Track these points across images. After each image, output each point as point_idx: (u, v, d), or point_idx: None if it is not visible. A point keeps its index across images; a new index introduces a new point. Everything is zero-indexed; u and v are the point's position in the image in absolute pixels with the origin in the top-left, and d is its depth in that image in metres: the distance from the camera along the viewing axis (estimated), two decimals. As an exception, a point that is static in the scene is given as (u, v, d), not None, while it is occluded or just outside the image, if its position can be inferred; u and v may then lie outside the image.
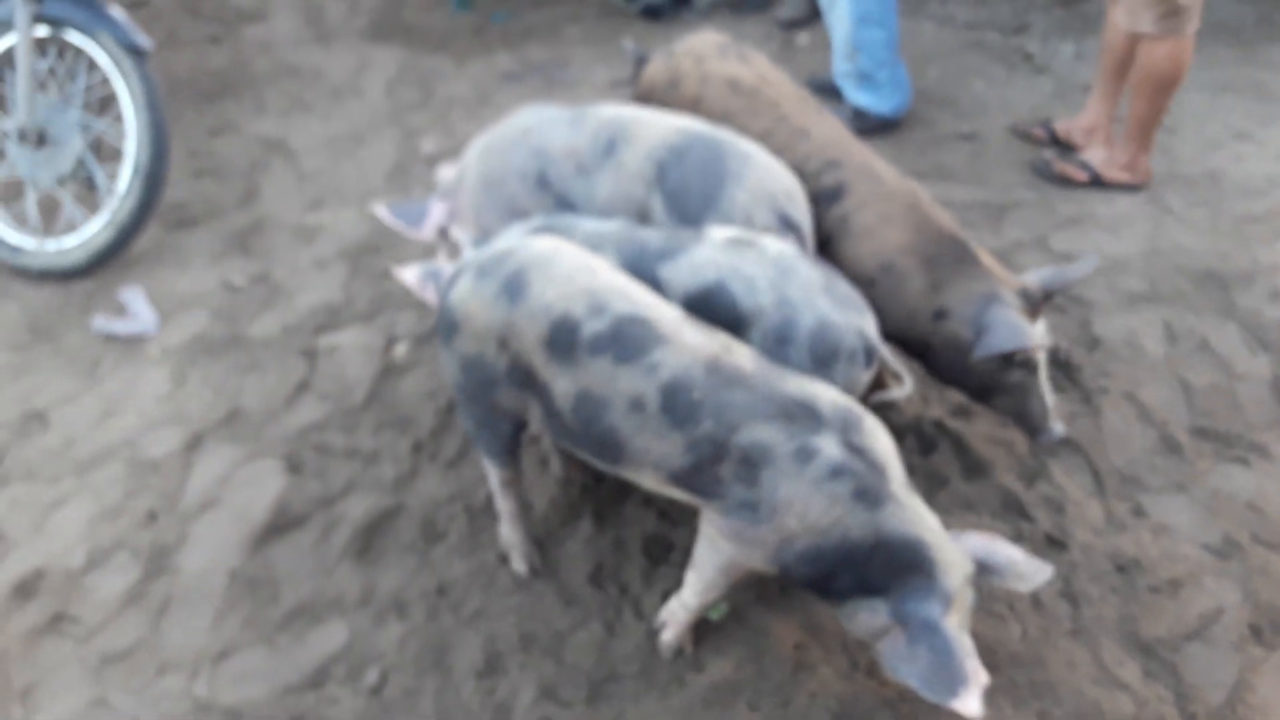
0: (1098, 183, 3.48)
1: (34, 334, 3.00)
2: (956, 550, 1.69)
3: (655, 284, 1.97)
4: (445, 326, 1.93)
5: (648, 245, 2.02)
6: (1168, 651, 2.02)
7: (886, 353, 2.02)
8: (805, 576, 1.73)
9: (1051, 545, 2.25)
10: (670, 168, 2.20)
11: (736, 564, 1.83)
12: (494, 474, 2.12)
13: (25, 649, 2.13)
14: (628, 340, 1.75)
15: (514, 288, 1.82)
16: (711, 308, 1.94)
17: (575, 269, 1.85)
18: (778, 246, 1.99)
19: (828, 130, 2.43)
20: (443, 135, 3.91)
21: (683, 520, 2.31)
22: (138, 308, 2.97)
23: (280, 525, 2.35)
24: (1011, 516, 2.32)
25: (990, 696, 1.93)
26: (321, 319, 2.97)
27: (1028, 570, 1.73)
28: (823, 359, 1.92)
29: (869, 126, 3.79)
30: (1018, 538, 2.25)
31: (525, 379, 1.86)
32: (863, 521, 1.65)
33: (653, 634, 2.07)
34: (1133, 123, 3.34)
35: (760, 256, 1.96)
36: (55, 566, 2.29)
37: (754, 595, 2.13)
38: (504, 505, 2.17)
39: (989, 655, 2.00)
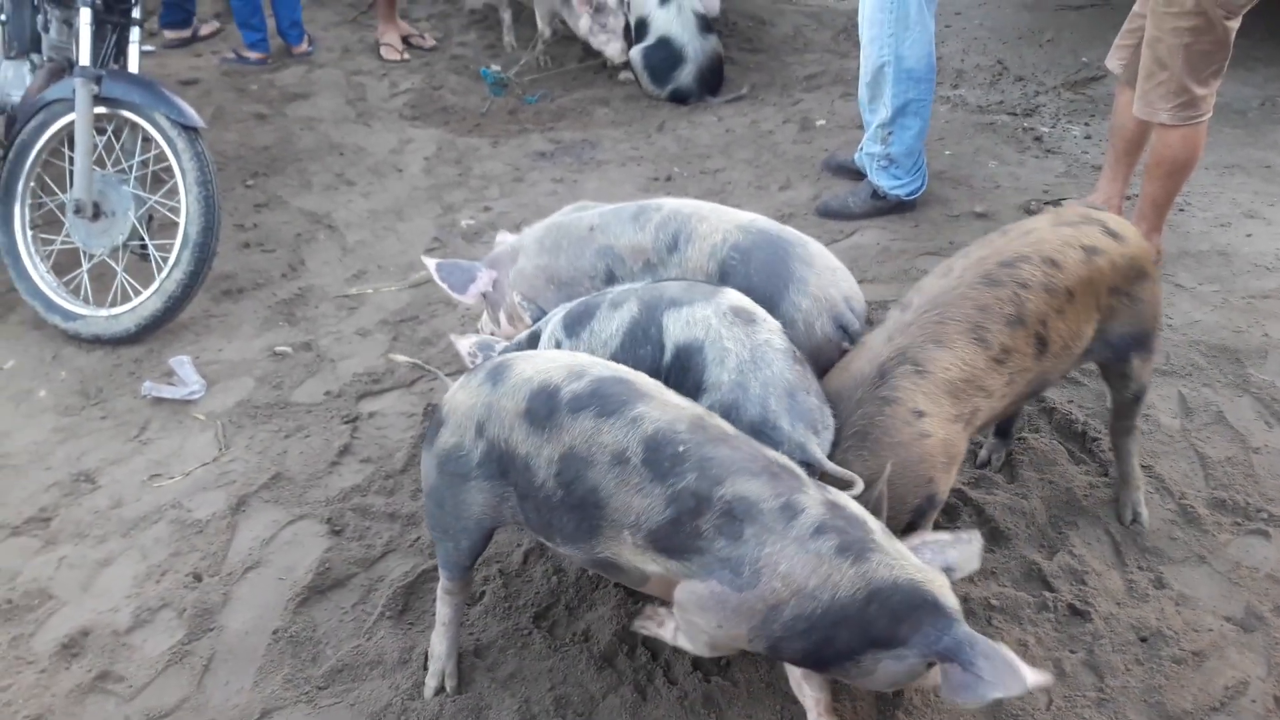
0: (1112, 261, 3.57)
1: (84, 398, 3.11)
2: (935, 572, 1.70)
3: (659, 330, 2.05)
4: (432, 427, 1.97)
5: (665, 293, 2.10)
6: (1193, 723, 2.05)
7: (831, 466, 1.96)
8: (799, 651, 1.69)
9: (1074, 615, 2.29)
10: (734, 268, 2.23)
11: (723, 645, 1.80)
12: (442, 582, 2.11)
13: (70, 707, 2.18)
14: (609, 396, 1.77)
15: (497, 373, 1.90)
16: (686, 364, 2.01)
17: (558, 354, 1.94)
18: (768, 335, 2.01)
19: None
20: (478, 210, 4.06)
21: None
22: (185, 373, 3.09)
23: (322, 586, 2.42)
24: (1033, 586, 2.37)
25: (1017, 763, 1.97)
26: (363, 385, 3.07)
27: (966, 555, 1.78)
28: None
29: (887, 207, 3.93)
30: (1041, 608, 2.30)
31: (501, 465, 1.86)
32: (851, 578, 1.62)
33: (683, 699, 2.12)
34: (1146, 203, 3.45)
35: (746, 336, 1.99)
36: (101, 625, 2.36)
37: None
38: (441, 612, 2.14)
39: (1015, 723, 2.04)
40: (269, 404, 3.03)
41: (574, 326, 2.19)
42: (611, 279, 2.35)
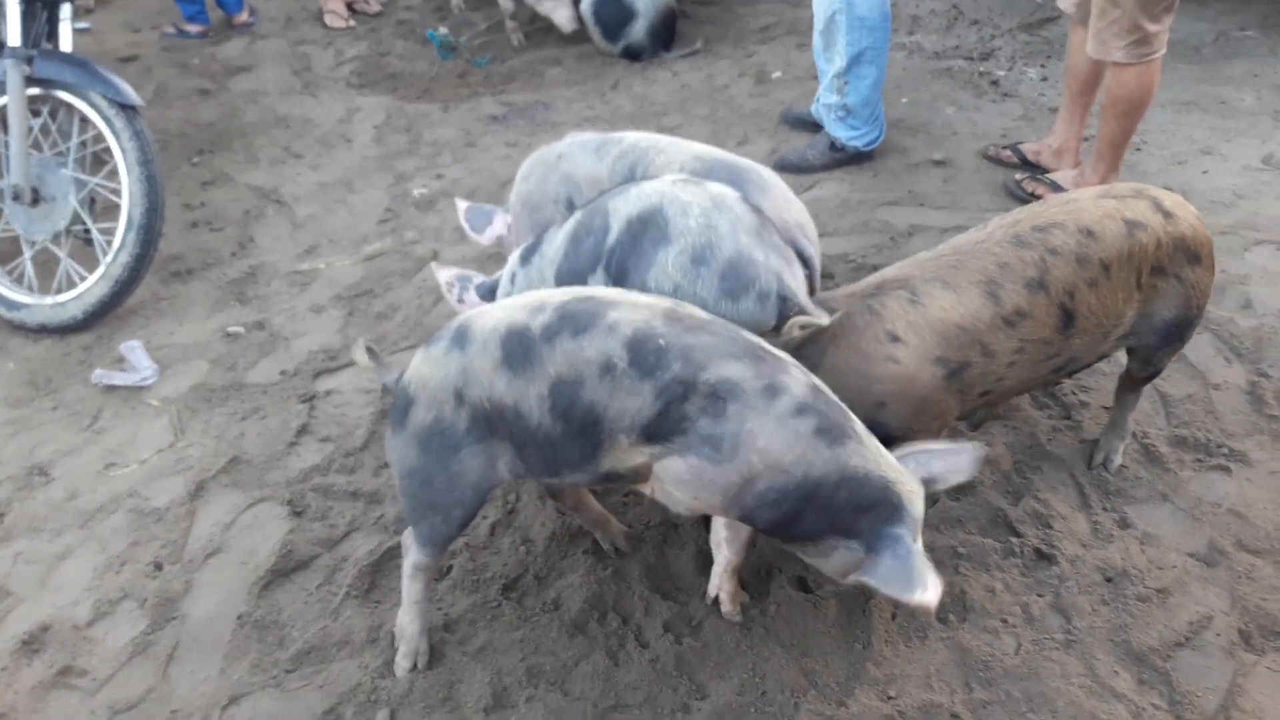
0: (1071, 202, 3.57)
1: (34, 388, 3.04)
2: (912, 479, 1.75)
3: (604, 218, 2.05)
4: (398, 409, 1.92)
5: (611, 191, 2.12)
6: (1160, 660, 2.07)
7: (804, 300, 1.99)
8: (768, 521, 1.74)
9: (1040, 559, 2.30)
10: None
11: (695, 511, 1.84)
12: (416, 559, 2.06)
13: (33, 704, 2.14)
14: (578, 314, 1.77)
15: (460, 337, 1.86)
16: (645, 227, 1.99)
17: (509, 300, 1.93)
18: (720, 190, 2.03)
19: None
20: (431, 178, 3.99)
21: (682, 549, 2.36)
22: (137, 359, 3.02)
23: (285, 569, 2.38)
24: (999, 532, 2.37)
25: (986, 710, 1.98)
26: (319, 363, 3.02)
27: (954, 465, 1.82)
28: (731, 290, 1.94)
29: (845, 158, 3.89)
30: (1008, 553, 2.30)
31: (489, 424, 1.85)
32: (825, 459, 1.68)
33: (655, 662, 2.11)
34: (1103, 143, 3.44)
35: (701, 190, 2.01)
36: (62, 620, 2.31)
37: (755, 617, 2.17)
38: (411, 590, 2.11)
39: (984, 670, 2.05)
40: (223, 386, 2.97)
41: (527, 256, 2.23)
42: (571, 207, 2.37)
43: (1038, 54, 4.82)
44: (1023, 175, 3.70)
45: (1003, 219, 2.19)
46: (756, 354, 1.74)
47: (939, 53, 4.90)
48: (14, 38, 3.18)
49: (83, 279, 3.21)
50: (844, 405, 1.78)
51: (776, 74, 4.67)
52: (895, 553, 1.68)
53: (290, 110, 4.53)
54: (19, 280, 3.29)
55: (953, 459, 1.83)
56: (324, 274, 3.45)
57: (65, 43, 3.36)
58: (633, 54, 4.88)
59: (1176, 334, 2.24)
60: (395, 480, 2.02)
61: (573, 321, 1.77)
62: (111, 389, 2.98)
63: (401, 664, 2.14)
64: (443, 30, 5.07)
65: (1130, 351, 2.33)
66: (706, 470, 1.71)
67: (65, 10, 3.39)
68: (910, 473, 1.77)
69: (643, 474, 1.84)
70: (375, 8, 5.54)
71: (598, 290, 1.86)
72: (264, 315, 3.25)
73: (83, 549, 2.50)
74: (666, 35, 4.93)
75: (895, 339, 2.01)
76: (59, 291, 3.22)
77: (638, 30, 4.81)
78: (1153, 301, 2.17)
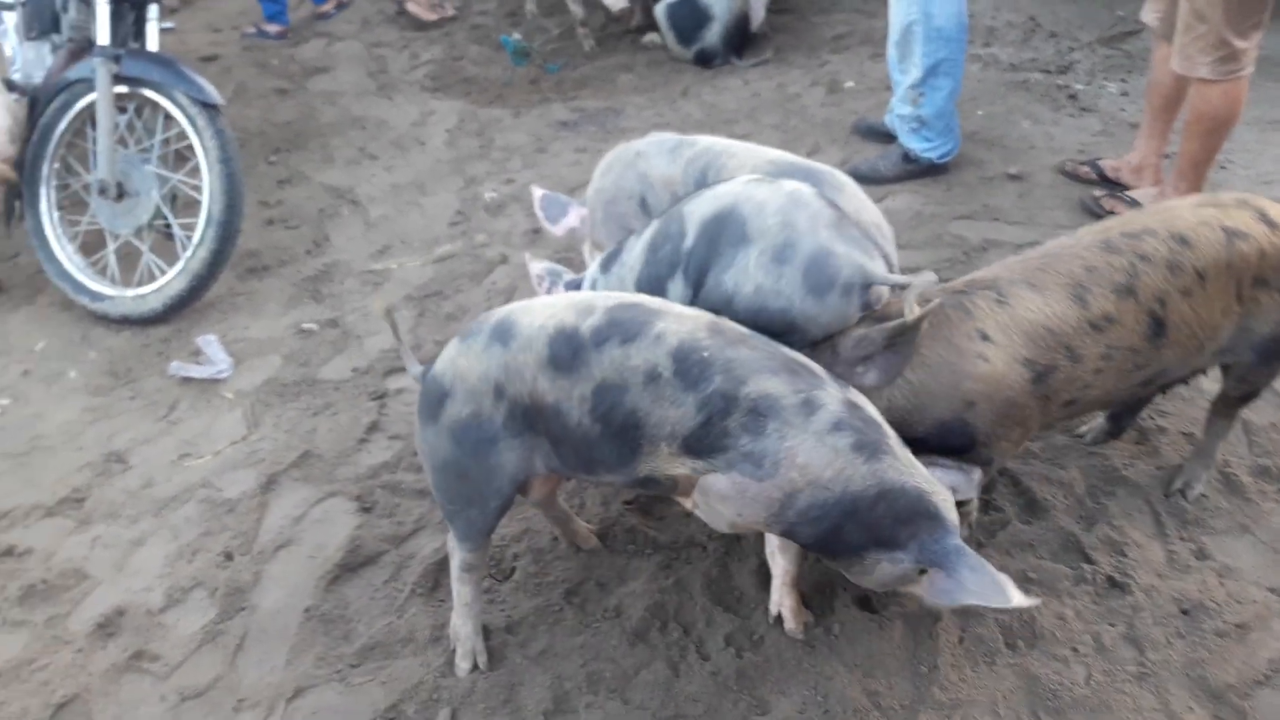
0: (1150, 222, 3.48)
1: (114, 378, 3.12)
2: (941, 486, 1.77)
3: (680, 223, 2.05)
4: (431, 401, 1.93)
5: (688, 198, 2.12)
6: (1237, 698, 2.00)
7: (887, 276, 1.96)
8: (810, 536, 1.76)
9: (1113, 588, 2.24)
10: None
11: (738, 527, 1.85)
12: (461, 557, 2.08)
13: (107, 686, 2.20)
14: (627, 322, 1.80)
15: (502, 332, 1.87)
16: (723, 228, 1.98)
17: (554, 299, 1.94)
18: (795, 186, 2.01)
19: None
20: (501, 182, 4.03)
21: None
22: (213, 352, 3.09)
23: (353, 564, 2.42)
24: (1071, 558, 2.32)
25: (1057, 739, 1.94)
26: (390, 362, 3.06)
27: (963, 484, 1.86)
28: (816, 287, 1.92)
29: (918, 170, 3.84)
30: (1079, 580, 2.25)
31: (528, 419, 1.87)
32: (863, 474, 1.70)
33: (716, 674, 2.10)
34: (1185, 162, 3.36)
35: (776, 188, 2.00)
36: (136, 605, 2.37)
37: (819, 635, 2.15)
38: (461, 593, 2.12)
39: (1052, 699, 2.00)
40: (296, 382, 3.02)
41: (608, 264, 2.25)
42: (644, 205, 2.42)
43: (1118, 68, 4.72)
44: (1101, 192, 3.62)
45: (1093, 226, 2.14)
46: (793, 369, 1.77)
47: (1015, 65, 4.82)
48: (103, 37, 3.28)
49: (163, 273, 3.29)
50: (878, 418, 1.79)
51: (849, 84, 4.63)
52: (970, 565, 1.70)
53: (366, 112, 4.61)
54: (102, 273, 3.38)
55: (956, 476, 1.87)
56: (396, 274, 3.50)
57: (152, 42, 3.46)
58: (705, 58, 4.88)
59: (1277, 352, 2.16)
60: (427, 473, 2.04)
61: (621, 328, 1.79)
62: (188, 381, 3.06)
63: (461, 665, 2.16)
64: (516, 36, 5.12)
65: (1225, 369, 2.25)
66: (749, 487, 1.74)
67: (152, 10, 3.49)
68: (939, 481, 1.79)
69: (682, 485, 1.86)
70: (450, 11, 5.60)
71: (643, 298, 1.89)
72: (337, 313, 3.30)
73: (157, 536, 2.56)
74: (739, 41, 4.92)
75: (985, 337, 1.98)
76: (140, 284, 3.31)
77: (712, 34, 4.80)
78: (1254, 316, 2.09)
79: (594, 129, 4.41)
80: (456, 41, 5.30)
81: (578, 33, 5.20)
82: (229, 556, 2.47)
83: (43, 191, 3.40)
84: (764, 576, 2.29)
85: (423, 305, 3.33)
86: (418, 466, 2.70)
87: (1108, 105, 4.37)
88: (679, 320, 1.80)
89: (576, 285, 2.41)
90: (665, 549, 2.39)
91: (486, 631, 2.21)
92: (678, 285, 2.06)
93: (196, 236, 3.21)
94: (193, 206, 3.34)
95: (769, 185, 2.02)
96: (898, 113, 3.83)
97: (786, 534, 1.79)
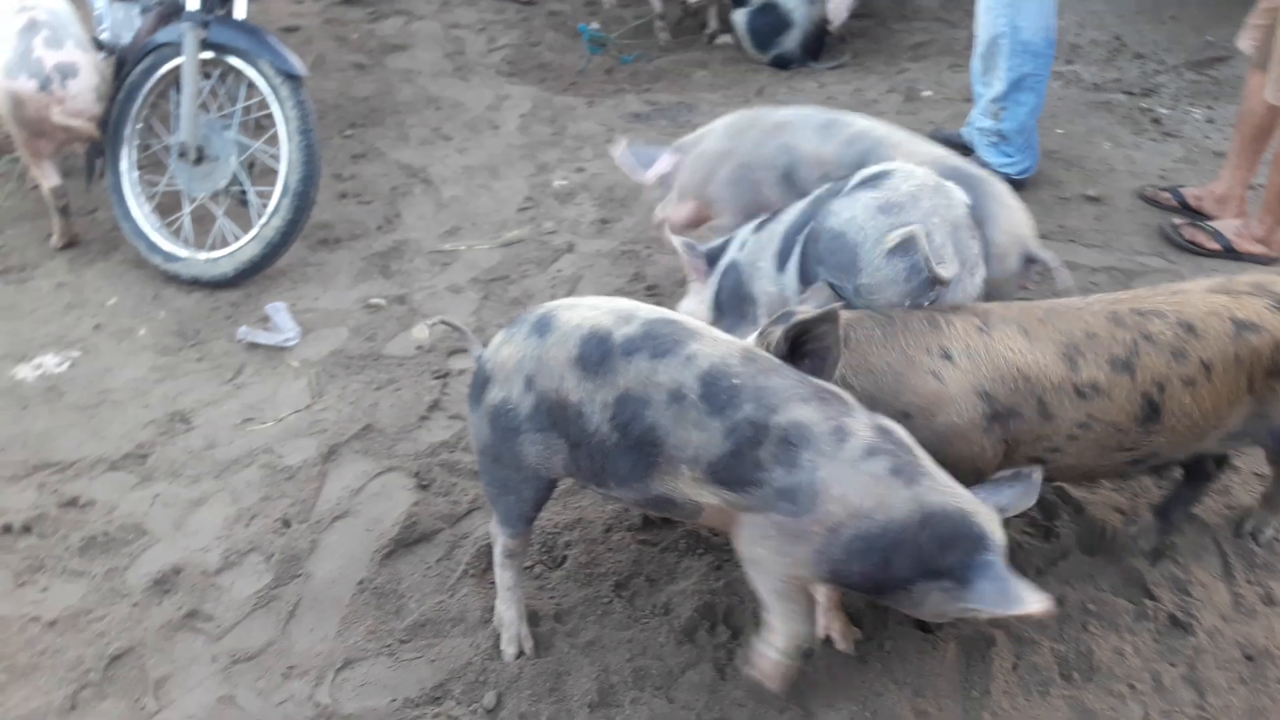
0: (1230, 253, 3.40)
1: (182, 338, 3.17)
2: (986, 507, 1.74)
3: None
4: (477, 384, 1.97)
5: (841, 183, 2.21)
6: (1299, 749, 1.96)
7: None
8: (861, 574, 1.72)
9: (1175, 627, 2.19)
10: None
11: (792, 579, 1.81)
12: (503, 542, 2.10)
13: (161, 642, 2.23)
14: (661, 337, 1.80)
15: (543, 325, 1.89)
16: (835, 250, 2.08)
17: (600, 300, 1.94)
18: (956, 187, 2.11)
19: None
20: (572, 171, 4.03)
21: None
22: (281, 320, 3.13)
23: (408, 539, 2.43)
24: (1133, 593, 2.27)
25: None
26: (454, 342, 3.08)
27: (1019, 495, 1.82)
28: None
29: (995, 185, 3.78)
30: (1140, 616, 2.20)
31: (551, 416, 1.87)
32: (904, 499, 1.67)
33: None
34: (1272, 195, 3.27)
35: (934, 176, 2.10)
36: (193, 564, 2.41)
37: (871, 651, 2.13)
38: (504, 578, 2.13)
39: (1108, 734, 1.96)
40: (361, 355, 3.05)
41: (762, 224, 2.36)
42: (790, 178, 2.47)
43: (1204, 94, 4.61)
44: (1181, 220, 3.54)
45: (1105, 296, 2.08)
46: (823, 396, 1.75)
47: (1098, 84, 4.73)
48: (193, 2, 3.32)
49: (236, 238, 3.33)
50: (910, 441, 1.76)
51: (927, 93, 4.57)
52: (989, 576, 1.68)
53: (442, 92, 4.63)
54: (176, 234, 3.43)
55: (1018, 489, 1.83)
56: (464, 256, 3.51)
57: (240, 10, 3.49)
58: (782, 63, 4.85)
59: None
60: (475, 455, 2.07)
61: (654, 342, 1.79)
62: (254, 347, 3.09)
63: (507, 650, 2.16)
64: (595, 25, 5.12)
65: (1267, 452, 2.20)
66: (788, 525, 1.72)
67: (243, -22, 3.53)
68: (983, 501, 1.75)
69: (708, 514, 1.84)
70: None
71: (684, 318, 1.88)
72: (405, 290, 3.33)
73: (216, 498, 2.60)
74: (817, 47, 4.88)
75: (947, 357, 1.95)
76: (213, 248, 3.35)
77: (790, 41, 4.77)
78: (1271, 404, 2.01)
79: (666, 123, 4.40)
80: (534, 27, 5.31)
81: (655, 25, 5.18)
82: (286, 523, 2.49)
83: (124, 151, 3.45)
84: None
85: (488, 289, 3.34)
86: (475, 448, 2.71)
87: (1192, 131, 4.27)
88: (713, 344, 1.80)
89: (713, 254, 2.48)
90: (716, 550, 2.38)
91: (535, 618, 2.22)
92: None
93: (272, 205, 3.24)
94: (268, 175, 3.38)
95: (932, 174, 2.08)
96: (977, 126, 3.77)
97: (836, 576, 1.75)
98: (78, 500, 2.60)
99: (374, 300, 3.28)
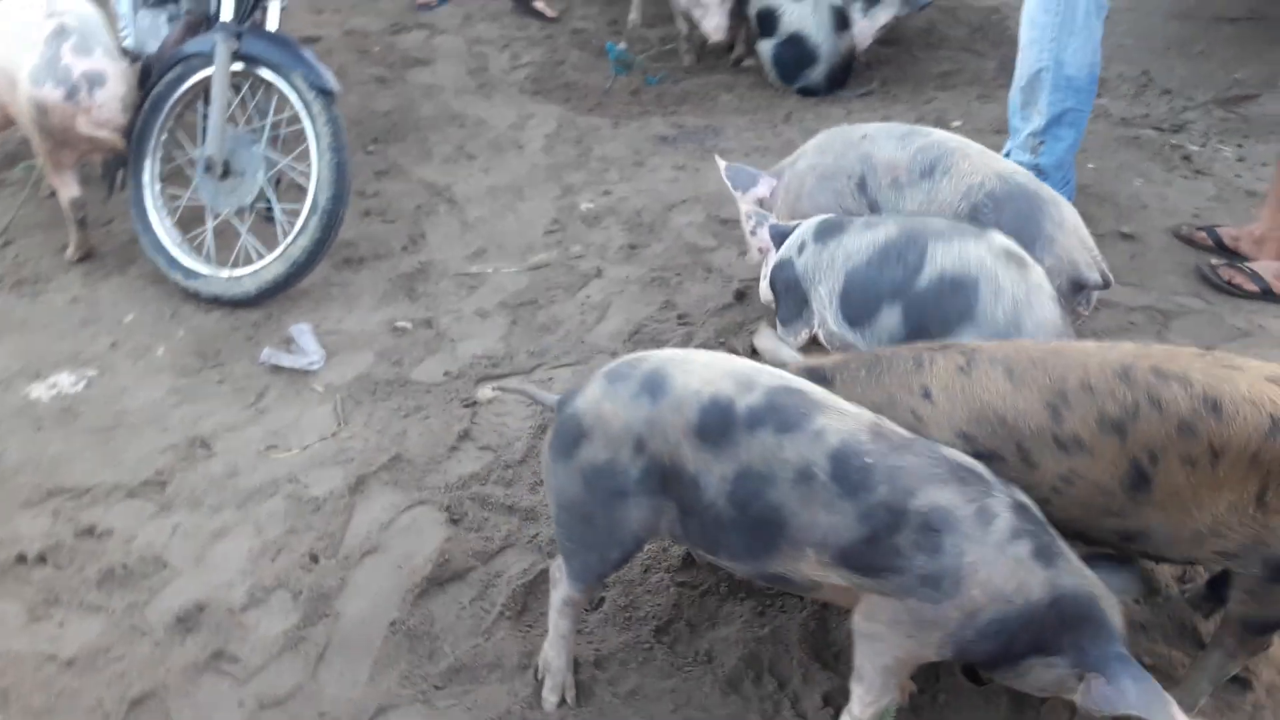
0: (1268, 295, 3.34)
1: (201, 359, 3.08)
2: (1109, 591, 1.70)
3: (920, 256, 2.14)
4: (566, 438, 1.86)
5: (929, 224, 2.23)
6: (1366, 818, 1.88)
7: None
8: (985, 653, 1.68)
9: (1232, 681, 2.11)
10: (985, 213, 2.37)
11: (907, 658, 1.76)
12: (566, 593, 2.00)
13: (185, 684, 2.14)
14: (787, 409, 1.71)
15: (654, 384, 1.79)
16: (955, 295, 2.06)
17: (712, 359, 1.85)
18: (1039, 280, 2.10)
19: None
20: (598, 194, 3.96)
21: (842, 615, 2.24)
22: (305, 343, 3.04)
23: (440, 578, 2.34)
24: (1189, 646, 2.20)
25: None
26: (483, 369, 3.00)
27: (1127, 581, 1.79)
28: None
29: (1031, 220, 3.73)
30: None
31: (664, 481, 1.80)
32: (1041, 581, 1.62)
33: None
34: (1314, 238, 3.22)
35: (1021, 278, 2.07)
36: (216, 601, 2.31)
37: (924, 704, 2.05)
38: (560, 625, 2.04)
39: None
40: (388, 381, 2.96)
41: (824, 236, 2.39)
42: (863, 186, 2.56)
43: (1234, 132, 4.56)
44: (1219, 261, 3.48)
45: (1136, 347, 1.84)
46: (961, 475, 1.67)
47: (1126, 119, 4.67)
48: (227, 13, 3.25)
49: (260, 256, 3.24)
50: (1043, 517, 1.71)
51: (956, 123, 4.51)
52: (1133, 674, 1.61)
53: (465, 109, 4.56)
54: (198, 250, 3.34)
55: (1122, 577, 1.79)
56: (491, 279, 3.43)
57: (272, 22, 3.42)
58: (808, 93, 4.79)
59: None
60: (551, 506, 1.97)
61: (779, 415, 1.71)
62: (278, 369, 3.01)
63: (549, 698, 2.07)
64: (622, 45, 5.05)
65: (1236, 578, 1.85)
66: (926, 611, 1.65)
67: (276, -9, 3.46)
68: (1105, 585, 1.71)
69: (829, 591, 1.79)
70: (552, 14, 5.56)
71: (807, 386, 1.79)
72: (431, 314, 3.25)
73: (239, 529, 2.51)
74: (843, 77, 4.82)
75: (926, 396, 1.87)
76: (235, 266, 3.27)
77: (817, 74, 4.71)
78: (1275, 531, 1.71)
79: (693, 146, 4.33)
80: (558, 45, 5.24)
81: (680, 47, 5.12)
82: (314, 558, 2.40)
83: (147, 163, 3.37)
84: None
85: (516, 314, 3.26)
86: (507, 480, 2.63)
87: (1223, 170, 4.22)
88: (841, 418, 1.71)
89: (782, 234, 2.51)
90: (758, 595, 2.30)
91: (575, 665, 2.13)
92: (894, 314, 2.19)
93: (299, 223, 3.16)
94: (293, 191, 3.30)
95: (1016, 270, 2.08)
96: (1014, 159, 3.71)
97: (956, 652, 1.69)
98: (94, 529, 2.51)
99: (400, 323, 3.20)
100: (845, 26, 4.76)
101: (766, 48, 4.76)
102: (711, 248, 3.55)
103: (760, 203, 2.81)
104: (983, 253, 2.14)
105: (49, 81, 3.15)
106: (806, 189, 2.67)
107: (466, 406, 2.86)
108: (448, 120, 4.46)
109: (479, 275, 3.45)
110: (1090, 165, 4.20)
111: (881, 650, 1.76)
